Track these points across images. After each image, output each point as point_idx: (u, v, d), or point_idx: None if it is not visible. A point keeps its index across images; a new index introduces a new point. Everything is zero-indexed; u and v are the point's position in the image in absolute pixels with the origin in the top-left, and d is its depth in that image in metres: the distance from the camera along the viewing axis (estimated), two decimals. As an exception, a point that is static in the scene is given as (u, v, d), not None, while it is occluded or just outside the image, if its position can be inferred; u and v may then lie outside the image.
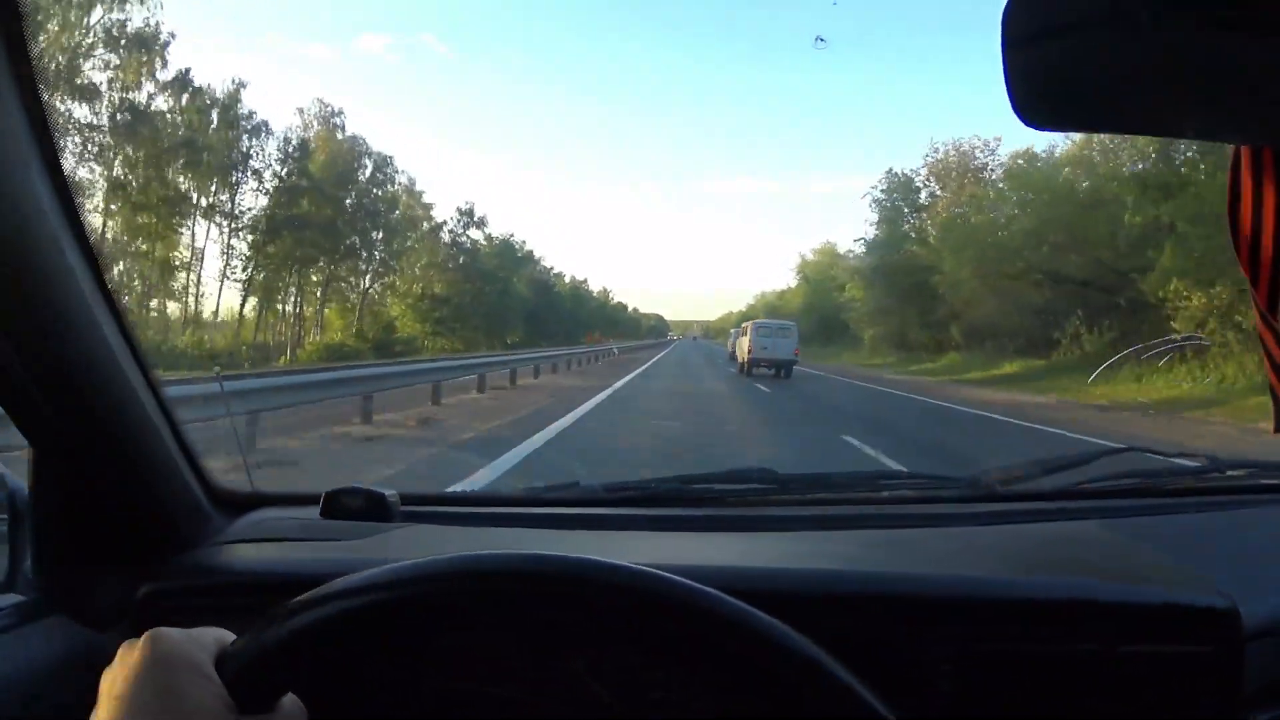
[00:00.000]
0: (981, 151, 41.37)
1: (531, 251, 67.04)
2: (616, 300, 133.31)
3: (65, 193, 0.78)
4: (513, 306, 54.31)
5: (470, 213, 54.80)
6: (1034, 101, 0.50)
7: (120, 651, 0.60)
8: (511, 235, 59.77)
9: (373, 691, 0.85)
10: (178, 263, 39.92)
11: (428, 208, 52.74)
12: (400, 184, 50.30)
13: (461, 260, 52.08)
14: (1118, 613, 0.88)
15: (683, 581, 0.58)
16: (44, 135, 0.75)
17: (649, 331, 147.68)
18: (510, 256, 57.87)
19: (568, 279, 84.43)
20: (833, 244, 74.03)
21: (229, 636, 0.61)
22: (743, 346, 27.58)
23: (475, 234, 53.91)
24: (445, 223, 53.36)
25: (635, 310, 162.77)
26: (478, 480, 6.12)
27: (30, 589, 0.94)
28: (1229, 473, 1.41)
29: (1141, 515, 1.27)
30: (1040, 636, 0.87)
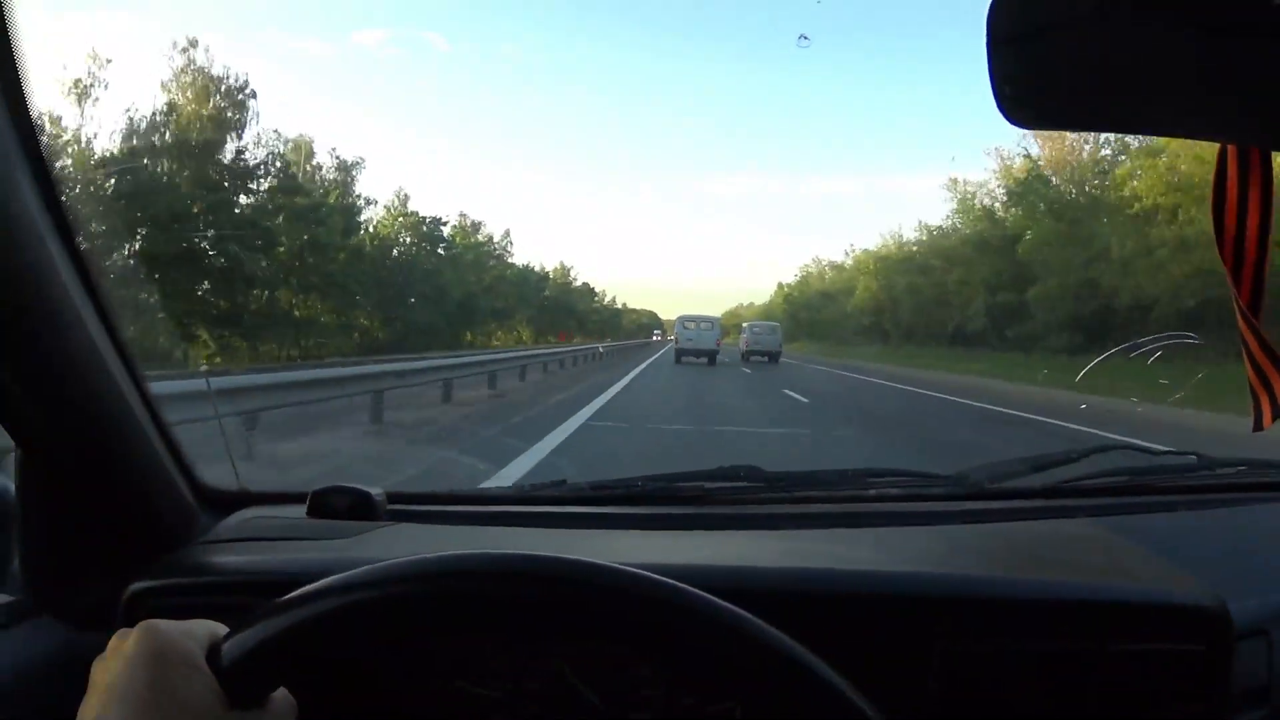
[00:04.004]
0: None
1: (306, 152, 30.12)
2: (580, 283, 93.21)
3: (49, 188, 0.78)
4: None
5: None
6: (1019, 100, 0.51)
7: (112, 642, 0.60)
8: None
9: (363, 689, 0.85)
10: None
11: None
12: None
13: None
14: (1107, 611, 0.88)
15: (649, 576, 0.58)
16: (28, 131, 0.75)
17: (637, 330, 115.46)
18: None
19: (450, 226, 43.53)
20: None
21: (221, 630, 0.60)
22: (743, 341, 35.97)
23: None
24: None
25: (620, 304, 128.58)
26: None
27: (18, 589, 0.93)
28: (1218, 470, 1.40)
29: (1130, 513, 1.27)
30: (1029, 634, 0.87)
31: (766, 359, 33.67)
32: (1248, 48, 0.46)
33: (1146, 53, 0.47)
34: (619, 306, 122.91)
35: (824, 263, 78.66)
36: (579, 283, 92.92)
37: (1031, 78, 0.50)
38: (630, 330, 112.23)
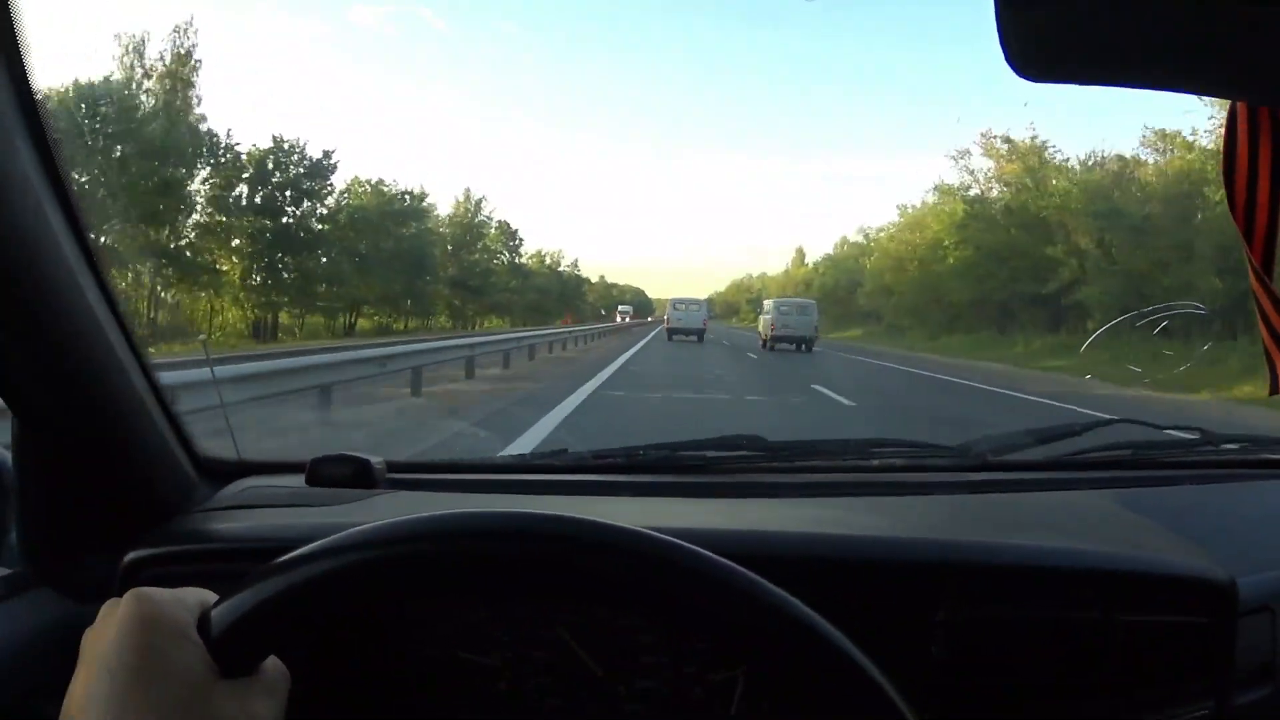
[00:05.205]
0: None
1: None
2: (533, 250, 72.32)
3: (49, 157, 0.77)
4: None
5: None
6: (1028, 55, 0.49)
7: (103, 611, 0.59)
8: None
9: (357, 657, 0.85)
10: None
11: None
12: None
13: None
14: (1113, 580, 0.88)
15: (653, 535, 0.57)
16: (29, 105, 0.74)
17: (607, 309, 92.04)
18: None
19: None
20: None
21: (212, 597, 0.59)
22: (765, 325, 30.33)
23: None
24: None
25: (597, 277, 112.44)
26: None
27: (16, 562, 0.93)
28: (1222, 447, 1.41)
29: (1134, 486, 1.27)
30: (1033, 602, 0.87)
31: (796, 347, 27.71)
32: (1260, 4, 0.44)
33: (1157, 6, 0.45)
34: (575, 278, 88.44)
35: (871, 231, 60.87)
36: (530, 251, 66.75)
37: (1040, 31, 0.48)
38: (597, 311, 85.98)
